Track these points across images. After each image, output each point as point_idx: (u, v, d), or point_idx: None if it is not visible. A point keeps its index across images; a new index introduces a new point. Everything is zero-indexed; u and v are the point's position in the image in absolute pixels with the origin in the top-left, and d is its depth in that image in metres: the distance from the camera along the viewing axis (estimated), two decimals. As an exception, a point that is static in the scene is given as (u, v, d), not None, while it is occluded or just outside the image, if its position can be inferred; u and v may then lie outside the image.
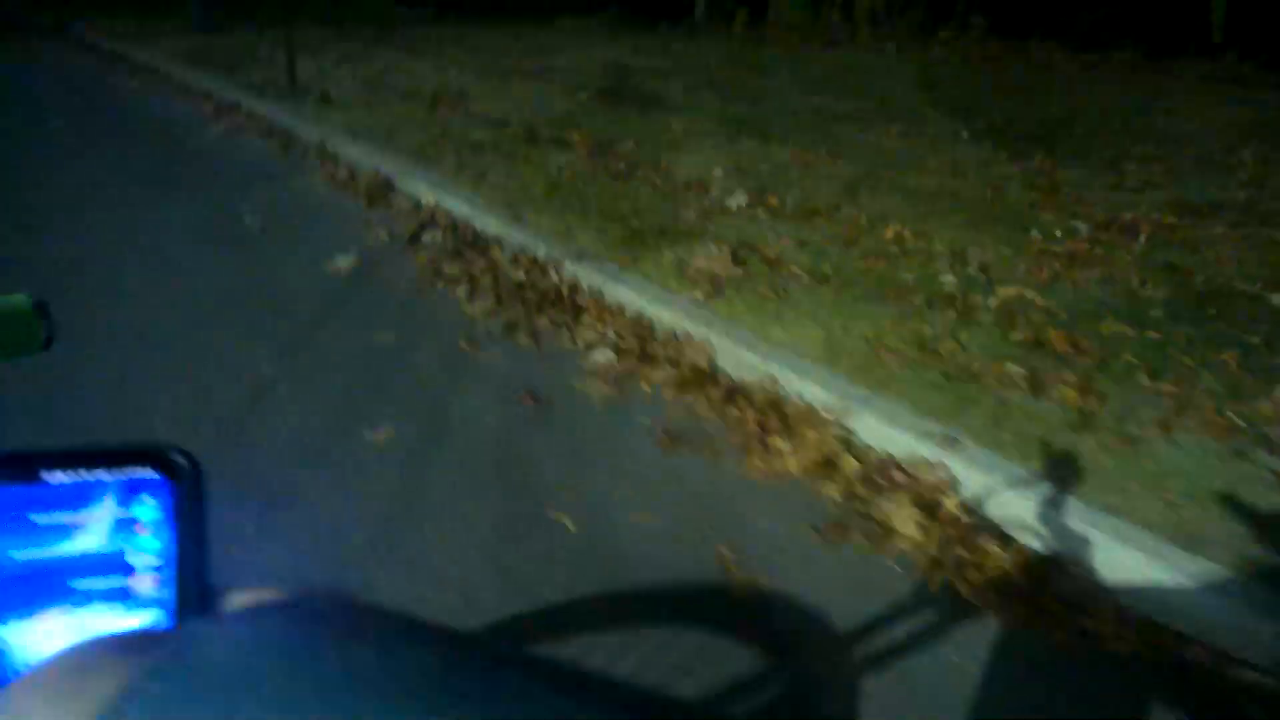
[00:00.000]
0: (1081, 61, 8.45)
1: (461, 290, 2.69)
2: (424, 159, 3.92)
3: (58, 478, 0.24)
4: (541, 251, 2.83)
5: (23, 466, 0.24)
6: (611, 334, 2.38)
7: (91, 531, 0.24)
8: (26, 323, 0.43)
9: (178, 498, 0.25)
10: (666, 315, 2.40)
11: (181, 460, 0.25)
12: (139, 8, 11.87)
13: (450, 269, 2.85)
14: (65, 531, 0.24)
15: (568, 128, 4.59)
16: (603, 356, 2.29)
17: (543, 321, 2.49)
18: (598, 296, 2.60)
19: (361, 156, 4.01)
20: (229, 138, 4.68)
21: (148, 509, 0.25)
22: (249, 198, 3.57)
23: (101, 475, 0.24)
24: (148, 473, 0.25)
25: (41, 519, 0.24)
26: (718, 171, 3.73)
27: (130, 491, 0.25)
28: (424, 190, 3.51)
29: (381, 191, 3.62)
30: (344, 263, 2.88)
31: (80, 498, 0.24)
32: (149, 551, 0.25)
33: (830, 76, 6.79)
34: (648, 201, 3.35)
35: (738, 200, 3.29)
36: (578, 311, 2.53)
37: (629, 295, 2.52)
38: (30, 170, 3.88)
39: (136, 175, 3.87)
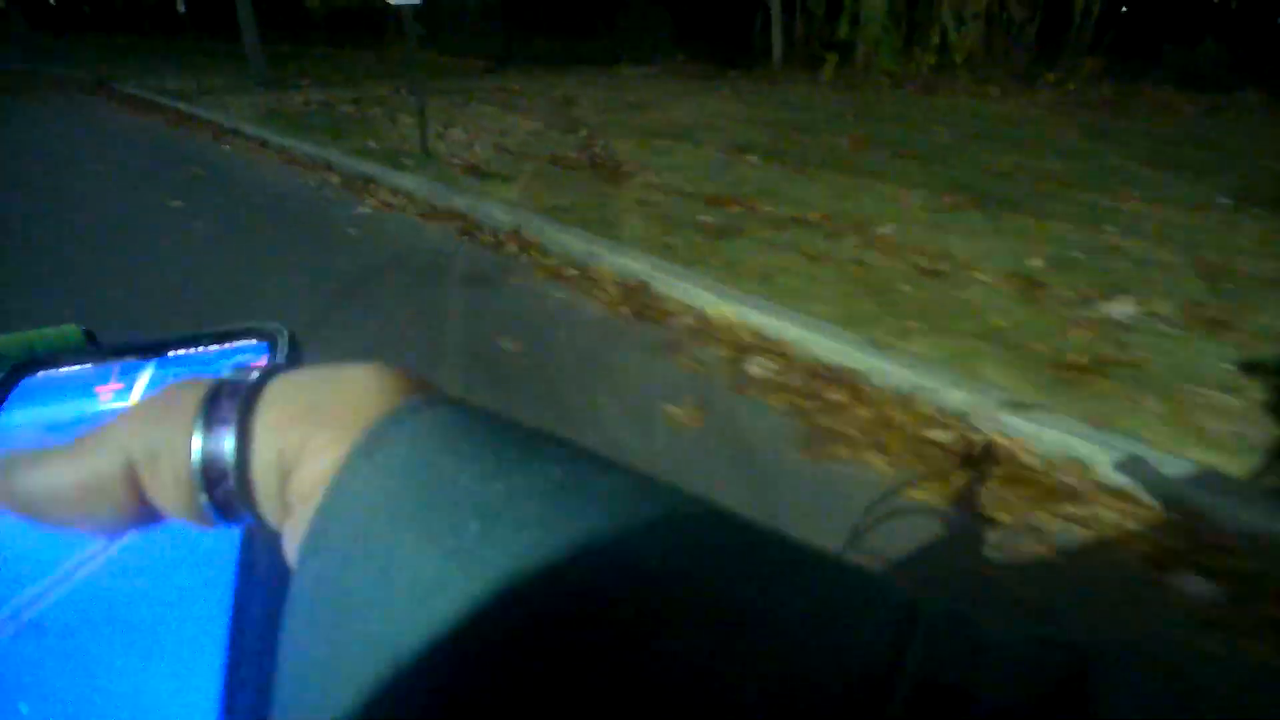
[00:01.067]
0: (1206, 103, 7.98)
1: (876, 458, 1.98)
2: (665, 251, 3.24)
3: (180, 353, 0.29)
4: (956, 398, 2.13)
5: (155, 348, 0.29)
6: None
7: None
8: None
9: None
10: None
11: (282, 333, 0.29)
12: (177, 64, 11.26)
13: (824, 420, 2.14)
14: None
15: (779, 199, 3.95)
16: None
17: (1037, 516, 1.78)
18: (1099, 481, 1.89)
19: (577, 247, 3.33)
20: (385, 221, 3.99)
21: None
22: (476, 310, 2.87)
23: (214, 349, 0.29)
24: (253, 344, 0.29)
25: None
26: (1036, 262, 3.07)
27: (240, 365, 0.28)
28: (702, 297, 2.82)
29: (641, 299, 2.93)
30: (682, 414, 2.17)
31: (199, 367, 0.29)
32: None
33: (987, 129, 6.22)
34: (1004, 310, 2.67)
35: (1122, 308, 2.62)
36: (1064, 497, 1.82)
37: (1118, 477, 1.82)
38: (191, 276, 3.17)
39: (311, 281, 3.16)
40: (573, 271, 3.22)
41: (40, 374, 0.29)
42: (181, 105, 7.65)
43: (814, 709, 0.14)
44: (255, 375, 0.21)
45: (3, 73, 10.98)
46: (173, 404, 0.21)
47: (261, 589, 0.24)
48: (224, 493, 0.20)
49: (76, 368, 0.29)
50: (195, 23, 14.40)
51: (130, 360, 0.29)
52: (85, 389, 0.28)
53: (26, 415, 0.28)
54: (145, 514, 0.21)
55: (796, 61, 10.50)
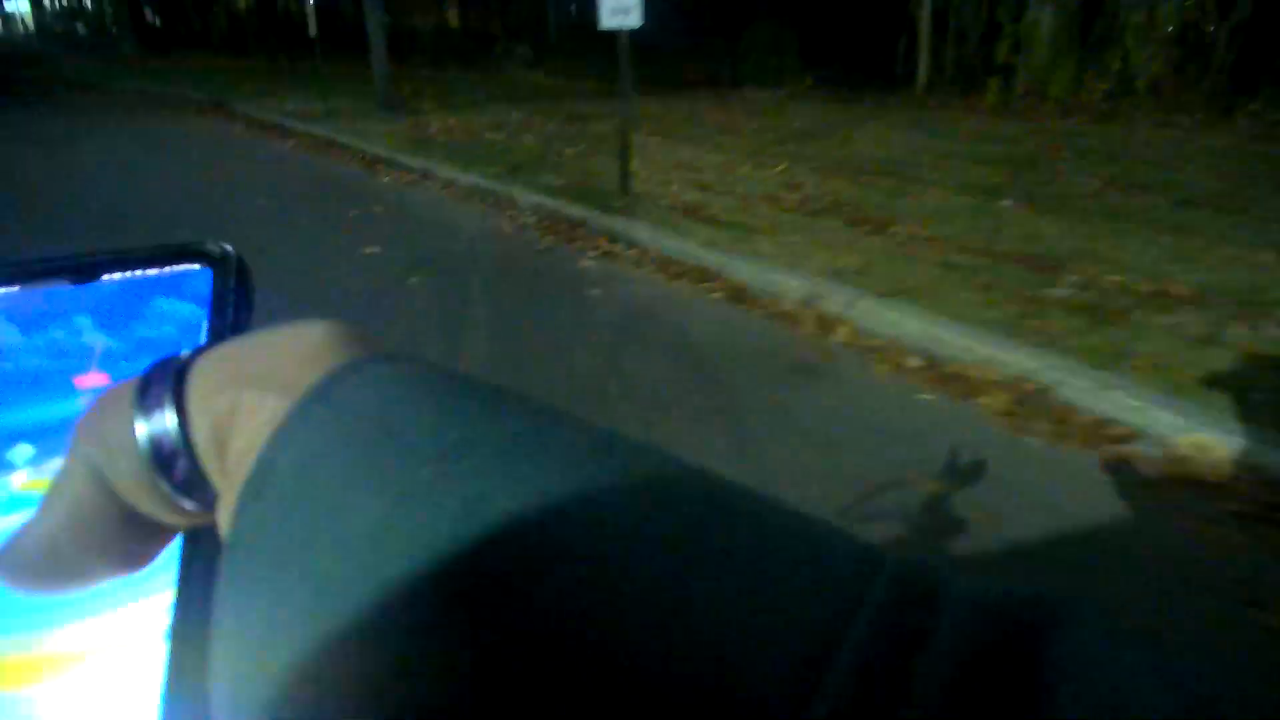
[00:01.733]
0: None
1: None
2: (1042, 339, 2.49)
3: (114, 277, 0.26)
4: None
5: (84, 269, 0.26)
6: None
7: (144, 321, 0.25)
8: None
9: (219, 289, 0.26)
10: None
11: (223, 253, 0.26)
12: (289, 85, 11.02)
13: None
14: (121, 322, 0.25)
15: (1103, 262, 3.17)
16: None
17: None
18: None
19: (910, 328, 2.60)
20: (624, 281, 3.33)
21: (194, 302, 0.26)
22: (821, 424, 2.16)
23: (151, 272, 0.26)
24: (194, 266, 0.26)
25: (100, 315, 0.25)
26: None
27: (179, 287, 0.26)
28: (1159, 419, 2.05)
29: (1049, 411, 2.18)
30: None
31: (134, 293, 0.26)
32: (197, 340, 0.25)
33: (1246, 169, 5.32)
34: None
35: None
36: None
37: None
38: (450, 355, 2.54)
39: (592, 366, 2.51)
40: (915, 362, 2.49)
41: None
42: (315, 129, 7.24)
43: (769, 657, 0.14)
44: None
45: (119, 93, 10.90)
46: (112, 395, 0.20)
47: (205, 587, 0.21)
48: (183, 475, 0.19)
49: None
50: (308, 44, 14.37)
51: (54, 285, 0.25)
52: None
53: None
54: (144, 528, 0.20)
55: (940, 86, 9.69)
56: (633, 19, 3.94)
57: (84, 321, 0.25)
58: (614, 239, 3.74)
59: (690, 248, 3.43)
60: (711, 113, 8.44)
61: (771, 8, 11.18)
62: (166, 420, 0.19)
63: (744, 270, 3.16)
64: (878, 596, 0.14)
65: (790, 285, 2.98)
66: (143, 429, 0.19)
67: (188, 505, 0.19)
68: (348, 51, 12.39)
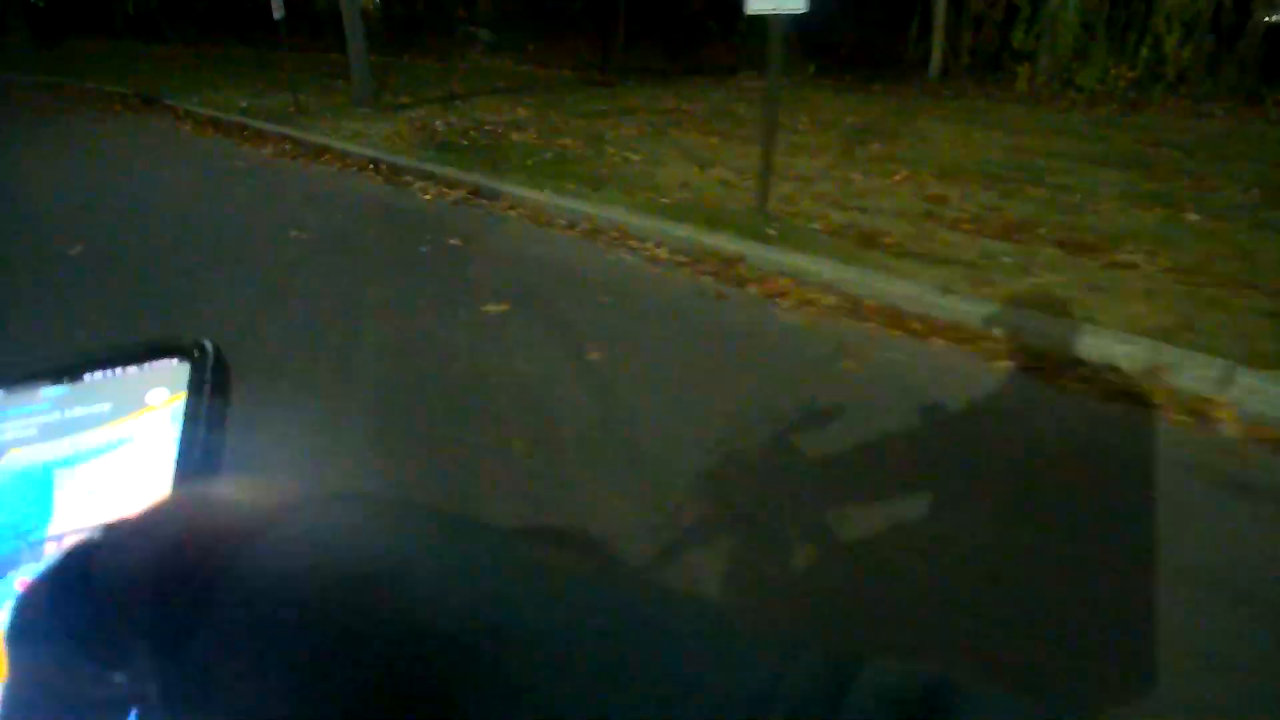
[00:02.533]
0: None
1: None
2: None
3: (97, 377, 0.26)
4: None
5: (68, 371, 0.26)
6: None
7: (127, 420, 0.26)
8: None
9: (197, 385, 0.26)
10: None
11: (203, 349, 0.27)
12: (221, 77, 9.44)
13: None
14: (101, 421, 0.26)
15: None
16: None
17: None
18: None
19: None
20: (880, 349, 2.54)
21: (174, 397, 0.26)
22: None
23: (131, 370, 0.26)
24: (175, 363, 0.26)
25: (83, 412, 0.26)
26: None
27: (160, 383, 0.26)
28: None
29: None
30: None
31: (119, 392, 0.26)
32: (173, 437, 0.26)
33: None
34: None
35: None
36: None
37: None
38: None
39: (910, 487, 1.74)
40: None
41: None
42: (292, 130, 6.06)
43: None
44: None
45: (21, 89, 9.17)
46: (30, 597, 0.20)
47: None
48: (108, 652, 0.20)
49: None
50: (232, 28, 12.57)
51: (42, 384, 0.26)
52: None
53: None
54: (94, 705, 0.20)
55: (954, 74, 9.23)
56: (795, 1, 3.13)
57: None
58: (800, 279, 2.94)
59: (928, 294, 2.68)
60: (728, 105, 7.66)
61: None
62: (80, 613, 0.19)
63: (1042, 329, 2.44)
64: (789, 693, 0.15)
65: (1118, 350, 2.27)
66: (60, 623, 0.19)
67: (118, 678, 0.20)
68: (263, 34, 10.95)
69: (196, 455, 0.25)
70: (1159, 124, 6.73)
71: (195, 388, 0.26)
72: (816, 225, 3.48)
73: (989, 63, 8.97)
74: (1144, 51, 8.05)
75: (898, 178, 4.40)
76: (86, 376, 0.26)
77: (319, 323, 2.64)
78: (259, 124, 6.45)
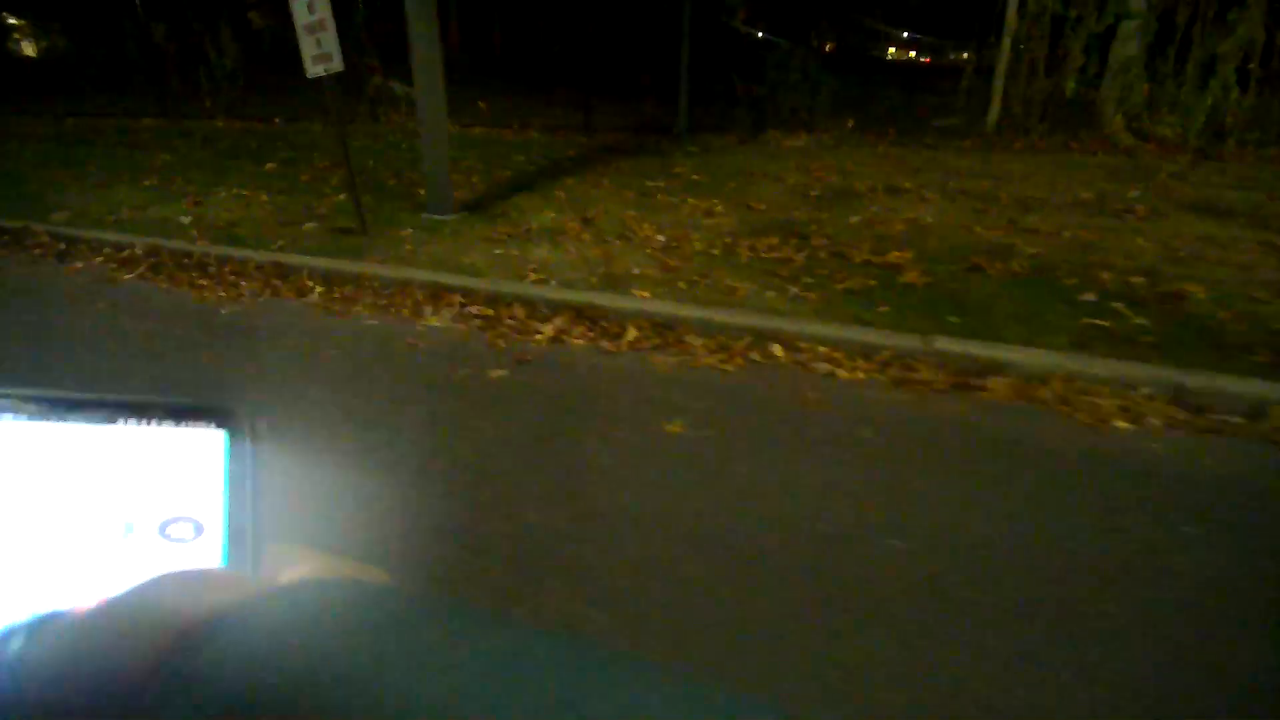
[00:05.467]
0: None
1: None
2: None
3: (130, 424, 0.25)
4: None
5: (100, 409, 0.25)
6: None
7: (151, 477, 0.25)
8: None
9: (238, 456, 0.26)
10: None
11: (247, 419, 0.26)
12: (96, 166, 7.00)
13: None
14: (126, 474, 0.25)
15: None
16: None
17: None
18: None
19: None
20: None
21: (211, 463, 0.25)
22: None
23: (169, 426, 0.25)
24: (211, 429, 0.26)
25: (110, 460, 0.25)
26: None
27: (195, 443, 0.25)
28: None
29: None
30: None
31: (147, 445, 0.25)
32: (207, 506, 0.25)
33: None
34: None
35: None
36: None
37: None
38: None
39: None
40: None
41: None
42: (375, 268, 4.32)
43: None
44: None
45: None
46: None
47: None
48: None
49: (24, 420, 0.25)
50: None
51: (80, 416, 0.25)
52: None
53: None
54: None
55: (1013, 125, 8.85)
56: None
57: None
58: None
59: None
60: (791, 163, 6.70)
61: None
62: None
63: None
64: None
65: None
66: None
67: None
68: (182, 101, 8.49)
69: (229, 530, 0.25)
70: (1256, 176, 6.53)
71: (235, 462, 0.25)
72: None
73: (1049, 113, 8.65)
74: (1208, 100, 8.00)
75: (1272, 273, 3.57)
76: (119, 421, 0.25)
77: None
78: (299, 259, 4.61)
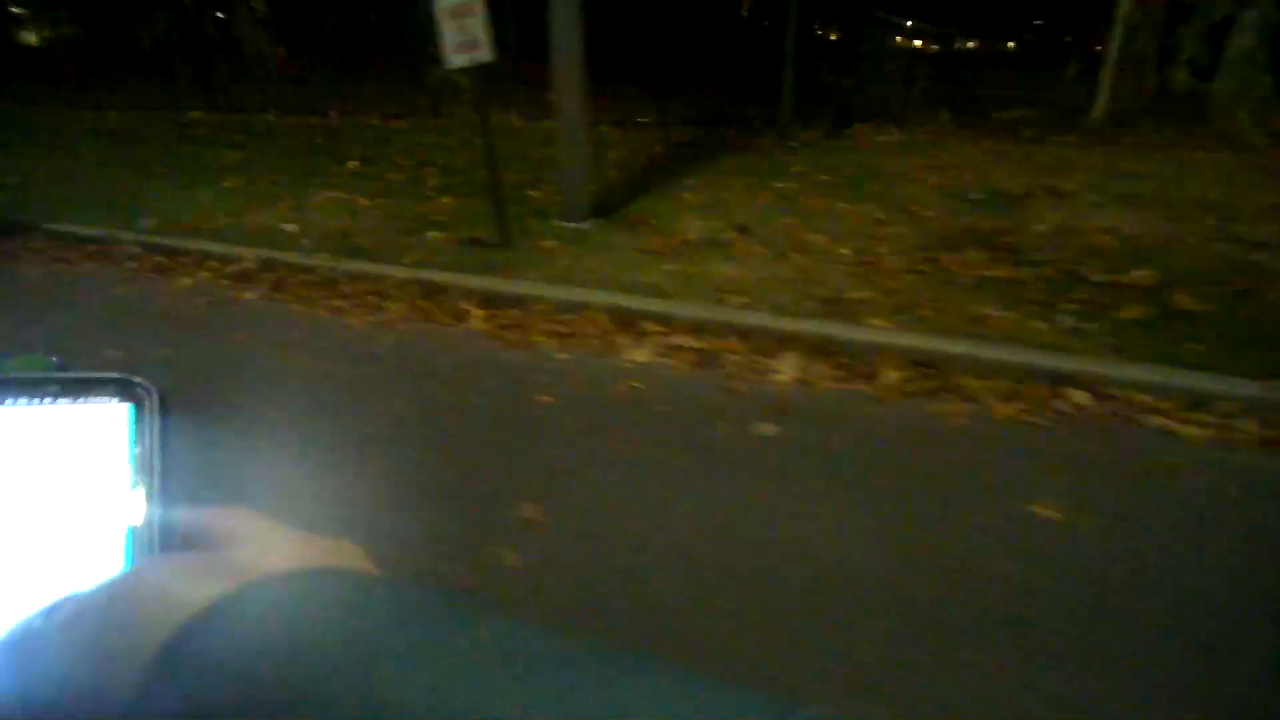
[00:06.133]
0: None
1: None
2: None
3: (21, 403, 0.24)
4: None
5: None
6: None
7: (49, 455, 0.24)
8: None
9: (138, 425, 0.25)
10: None
11: (143, 388, 0.25)
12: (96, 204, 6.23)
13: None
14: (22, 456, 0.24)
15: None
16: None
17: None
18: None
19: None
20: None
21: (110, 434, 0.24)
22: None
23: (65, 402, 0.24)
24: (110, 400, 0.25)
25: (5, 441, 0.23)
26: None
27: (92, 417, 0.24)
28: None
29: None
30: None
31: (43, 423, 0.24)
32: (113, 480, 0.24)
33: None
34: None
35: None
36: None
37: None
38: None
39: None
40: None
41: None
42: (684, 311, 3.76)
43: None
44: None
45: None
46: None
47: None
48: None
49: None
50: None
51: None
52: None
53: None
54: None
55: (1118, 119, 8.35)
56: None
57: None
58: None
59: None
60: (907, 161, 6.18)
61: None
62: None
63: None
64: None
65: None
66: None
67: None
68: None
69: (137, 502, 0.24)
70: None
71: (139, 432, 0.25)
72: None
73: (1159, 106, 8.17)
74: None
75: None
76: (8, 401, 0.24)
77: None
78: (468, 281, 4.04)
